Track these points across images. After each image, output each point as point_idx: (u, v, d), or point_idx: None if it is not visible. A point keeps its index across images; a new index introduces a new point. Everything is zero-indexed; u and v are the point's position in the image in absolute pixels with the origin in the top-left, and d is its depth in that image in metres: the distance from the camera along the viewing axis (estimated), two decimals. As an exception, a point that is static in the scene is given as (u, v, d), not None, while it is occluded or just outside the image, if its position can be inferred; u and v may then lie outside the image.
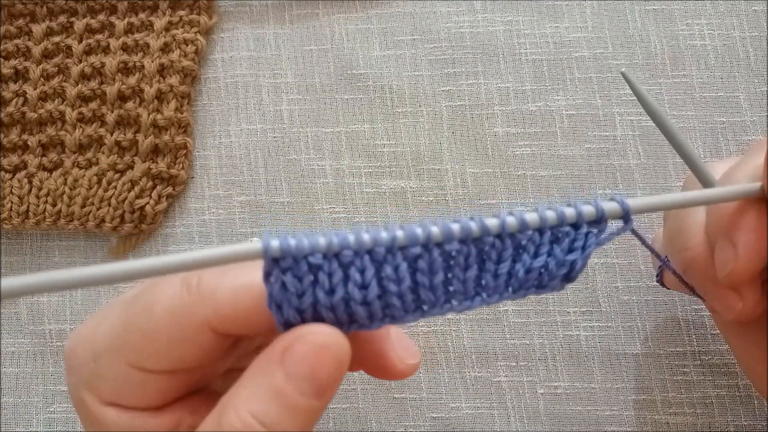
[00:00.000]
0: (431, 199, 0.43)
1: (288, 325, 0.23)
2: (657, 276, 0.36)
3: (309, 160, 0.44)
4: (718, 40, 0.44)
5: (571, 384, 0.39)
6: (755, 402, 0.39)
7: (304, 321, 0.23)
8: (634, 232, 0.27)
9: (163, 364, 0.24)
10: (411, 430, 0.40)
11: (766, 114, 0.42)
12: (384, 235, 0.23)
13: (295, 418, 0.21)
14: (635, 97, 0.31)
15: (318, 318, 0.23)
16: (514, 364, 0.40)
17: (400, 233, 0.23)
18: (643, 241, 0.28)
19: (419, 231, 0.23)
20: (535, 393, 0.39)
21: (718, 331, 0.39)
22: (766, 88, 0.43)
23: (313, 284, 0.23)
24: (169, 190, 0.43)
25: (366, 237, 0.23)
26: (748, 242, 0.26)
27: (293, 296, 0.23)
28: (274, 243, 0.22)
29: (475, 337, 0.40)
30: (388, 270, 0.23)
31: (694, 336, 0.40)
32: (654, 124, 0.31)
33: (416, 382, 0.40)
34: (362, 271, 0.23)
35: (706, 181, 0.30)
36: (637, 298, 0.40)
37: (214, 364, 0.26)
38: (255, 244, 0.22)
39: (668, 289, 0.36)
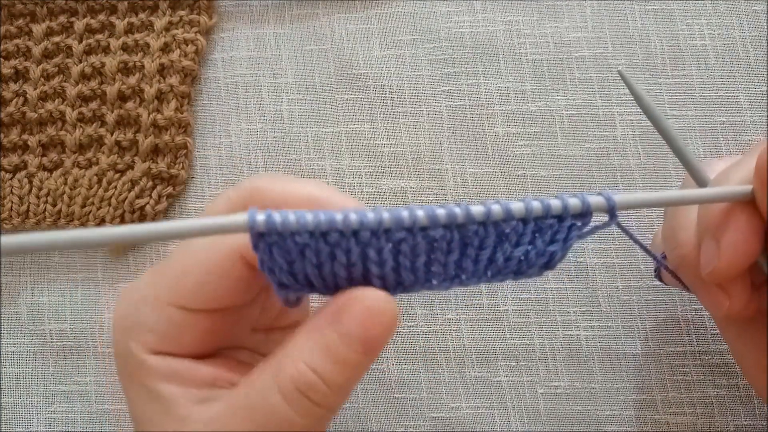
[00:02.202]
0: (431, 199, 0.42)
1: (282, 286, 0.24)
2: (655, 272, 0.36)
3: (309, 160, 0.44)
4: (718, 39, 0.44)
5: (571, 384, 0.39)
6: (755, 402, 0.39)
7: (298, 283, 0.24)
8: (620, 227, 0.27)
9: (201, 299, 0.26)
10: (411, 430, 0.40)
11: (766, 114, 0.42)
12: (370, 216, 0.23)
13: (342, 373, 0.24)
14: (632, 96, 0.31)
15: (309, 282, 0.24)
16: (514, 363, 0.40)
17: (386, 216, 0.23)
18: (631, 236, 0.28)
19: (405, 214, 0.23)
20: (535, 393, 0.39)
21: (719, 331, 0.39)
22: (766, 88, 0.43)
23: (301, 257, 0.23)
24: (170, 190, 0.43)
25: (353, 217, 0.23)
26: (731, 242, 0.26)
27: (283, 264, 0.23)
28: (260, 218, 0.23)
29: (475, 337, 0.40)
30: (371, 253, 0.23)
31: (694, 336, 0.40)
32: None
33: (416, 382, 0.40)
34: (347, 252, 0.23)
35: (700, 181, 0.30)
36: (637, 298, 0.40)
37: (243, 312, 0.28)
38: (241, 217, 0.23)
39: (665, 284, 0.37)
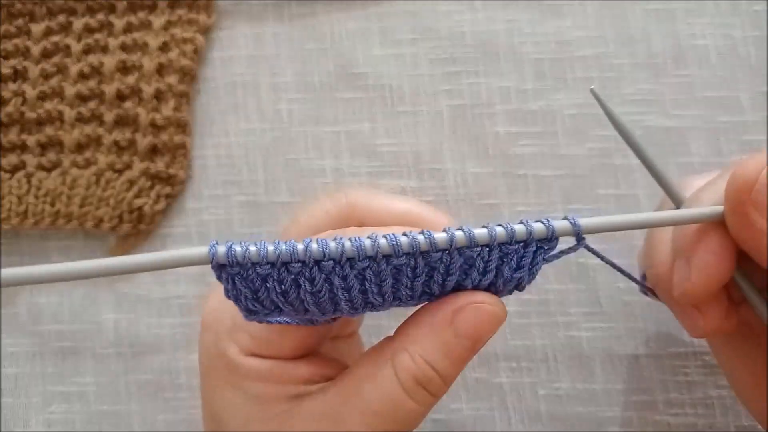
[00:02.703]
0: (432, 199, 0.42)
1: (250, 312, 0.25)
2: (639, 286, 0.36)
3: (308, 160, 0.43)
4: (720, 39, 0.43)
5: (572, 385, 0.39)
6: (757, 403, 0.38)
7: (265, 308, 0.24)
8: (589, 249, 0.27)
9: None
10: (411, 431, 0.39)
11: (767, 114, 0.42)
12: (332, 246, 0.23)
13: (454, 367, 0.26)
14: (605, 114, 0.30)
15: (277, 307, 0.24)
16: (515, 365, 0.40)
17: (348, 245, 0.23)
18: (602, 258, 0.28)
19: (367, 243, 0.23)
20: (537, 394, 0.39)
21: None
22: (767, 88, 0.42)
23: (264, 286, 0.23)
24: (168, 189, 0.43)
25: (314, 248, 0.23)
26: (702, 263, 0.26)
27: (248, 292, 0.24)
28: (220, 250, 0.23)
29: (475, 338, 0.40)
30: (336, 280, 0.23)
31: (695, 337, 0.39)
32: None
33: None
34: (311, 280, 0.23)
35: (677, 201, 0.30)
36: (638, 299, 0.40)
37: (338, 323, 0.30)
38: (202, 249, 0.23)
39: (652, 298, 0.36)
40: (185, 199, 0.44)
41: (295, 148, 0.44)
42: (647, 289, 0.33)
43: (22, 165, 0.43)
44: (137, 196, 0.42)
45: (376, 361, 0.26)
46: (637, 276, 0.33)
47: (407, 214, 0.28)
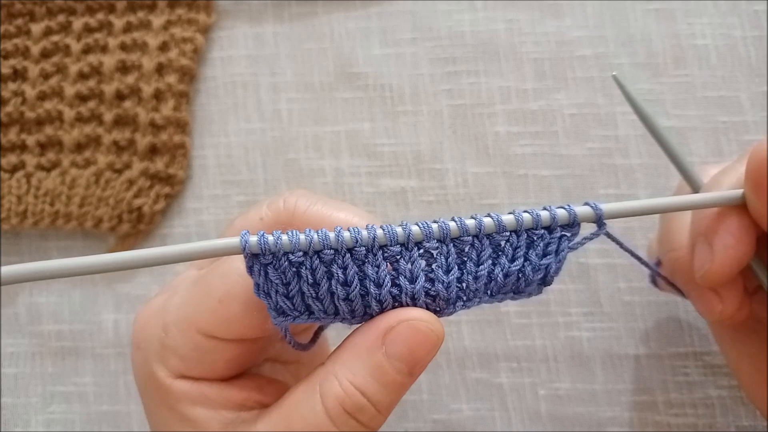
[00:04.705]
0: (432, 199, 0.42)
1: (280, 311, 0.24)
2: (650, 277, 0.36)
3: (308, 160, 0.43)
4: (720, 39, 0.43)
5: (572, 385, 0.39)
6: (757, 403, 0.38)
7: (294, 307, 0.24)
8: (609, 236, 0.27)
9: (234, 330, 0.26)
10: (411, 431, 0.39)
11: (766, 114, 0.42)
12: (364, 233, 0.23)
13: (388, 393, 0.24)
14: (626, 100, 0.31)
15: (307, 307, 0.24)
16: (515, 365, 0.40)
17: (379, 232, 0.23)
18: (622, 245, 0.28)
19: (399, 230, 0.24)
20: (537, 394, 0.39)
21: (715, 341, 0.39)
22: (766, 88, 0.42)
23: (296, 277, 0.23)
24: (167, 189, 0.43)
25: (346, 235, 0.23)
26: (724, 245, 0.27)
27: (279, 285, 0.24)
28: (252, 239, 0.23)
29: (476, 339, 0.40)
30: (369, 270, 0.24)
31: (695, 337, 0.39)
32: (647, 128, 0.31)
33: (417, 384, 0.40)
34: (344, 269, 0.23)
35: (696, 187, 0.30)
36: (639, 299, 0.40)
37: (272, 340, 0.29)
38: (234, 239, 0.23)
39: (661, 290, 0.36)
40: (185, 199, 0.43)
41: (295, 147, 0.44)
42: (662, 278, 0.33)
43: (21, 165, 0.43)
44: (137, 195, 0.42)
45: (305, 389, 0.25)
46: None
47: (346, 224, 0.26)
